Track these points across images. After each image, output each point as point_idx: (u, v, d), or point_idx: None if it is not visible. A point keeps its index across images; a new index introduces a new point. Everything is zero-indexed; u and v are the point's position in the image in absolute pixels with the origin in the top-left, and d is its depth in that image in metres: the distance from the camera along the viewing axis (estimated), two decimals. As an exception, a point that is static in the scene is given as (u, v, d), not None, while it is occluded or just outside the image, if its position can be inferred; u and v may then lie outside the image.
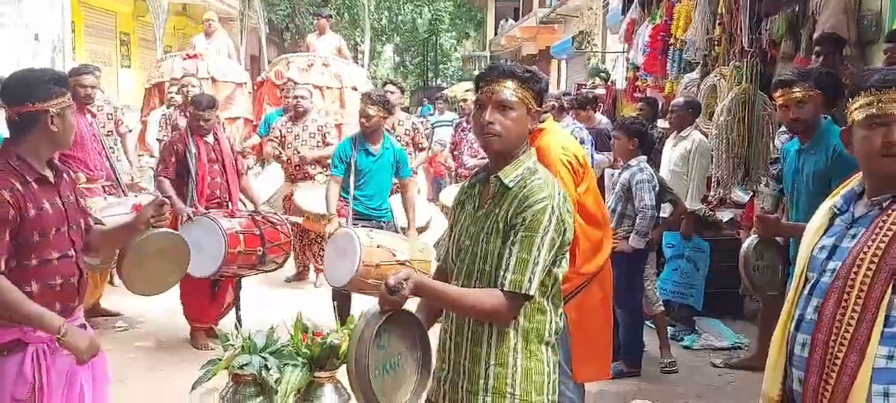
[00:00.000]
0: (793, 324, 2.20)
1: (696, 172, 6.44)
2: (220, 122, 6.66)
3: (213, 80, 9.91)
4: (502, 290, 2.25)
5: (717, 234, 6.65)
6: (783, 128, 5.55)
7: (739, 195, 6.91)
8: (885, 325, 2.00)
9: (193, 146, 5.66)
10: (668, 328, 5.94)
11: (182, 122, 7.06)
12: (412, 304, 2.40)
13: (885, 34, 5.73)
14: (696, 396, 5.21)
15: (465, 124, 9.17)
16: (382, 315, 2.24)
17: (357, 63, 13.73)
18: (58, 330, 2.66)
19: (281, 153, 7.59)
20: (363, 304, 3.90)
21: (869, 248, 2.04)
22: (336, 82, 10.40)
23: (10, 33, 8.19)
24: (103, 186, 6.32)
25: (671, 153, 6.57)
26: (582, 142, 6.84)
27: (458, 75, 37.05)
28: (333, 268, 5.12)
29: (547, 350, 2.40)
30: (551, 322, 2.41)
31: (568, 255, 2.43)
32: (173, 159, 5.69)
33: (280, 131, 7.71)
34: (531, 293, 2.26)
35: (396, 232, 5.79)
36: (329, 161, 6.35)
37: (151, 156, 8.72)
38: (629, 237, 5.26)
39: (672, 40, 8.78)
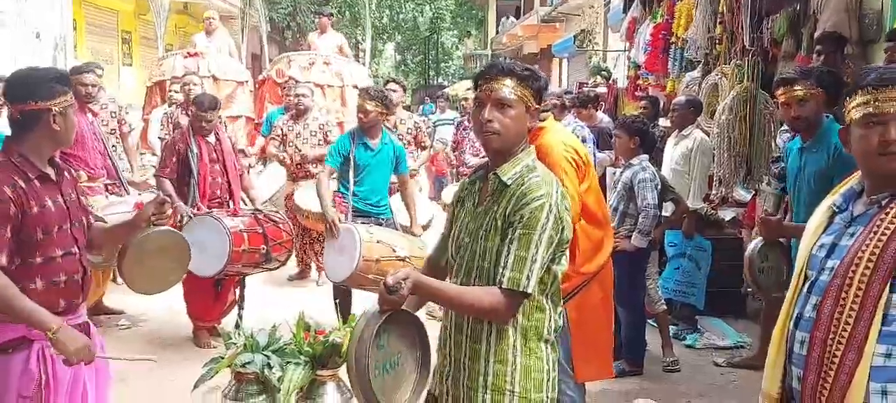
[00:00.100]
0: (792, 322, 2.20)
1: (698, 171, 6.44)
2: (221, 121, 6.66)
3: (215, 79, 9.95)
4: (501, 288, 2.26)
5: (719, 233, 6.65)
6: (785, 127, 5.55)
7: (741, 194, 6.91)
8: (882, 324, 2.00)
9: (195, 146, 5.67)
10: (671, 327, 5.94)
11: (183, 120, 7.07)
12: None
13: (886, 33, 5.73)
14: (699, 395, 5.21)
15: (466, 123, 9.16)
16: (382, 314, 2.24)
17: (358, 61, 13.76)
18: (50, 329, 2.64)
19: (285, 157, 7.60)
20: (364, 302, 3.91)
21: (867, 247, 2.04)
22: (337, 80, 10.42)
23: (11, 32, 8.20)
24: (105, 185, 6.32)
25: (673, 152, 6.57)
26: (584, 141, 6.83)
27: (459, 74, 37.09)
28: (334, 264, 5.12)
29: (546, 347, 2.40)
30: (550, 320, 2.41)
31: (567, 253, 2.43)
32: (174, 159, 5.69)
33: (281, 129, 7.72)
34: (529, 291, 2.26)
35: (396, 229, 5.79)
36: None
37: (153, 154, 8.74)
38: (631, 236, 5.26)
39: (673, 39, 8.78)
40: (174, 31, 16.70)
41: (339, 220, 5.43)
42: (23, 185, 2.70)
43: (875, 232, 2.04)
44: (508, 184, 2.35)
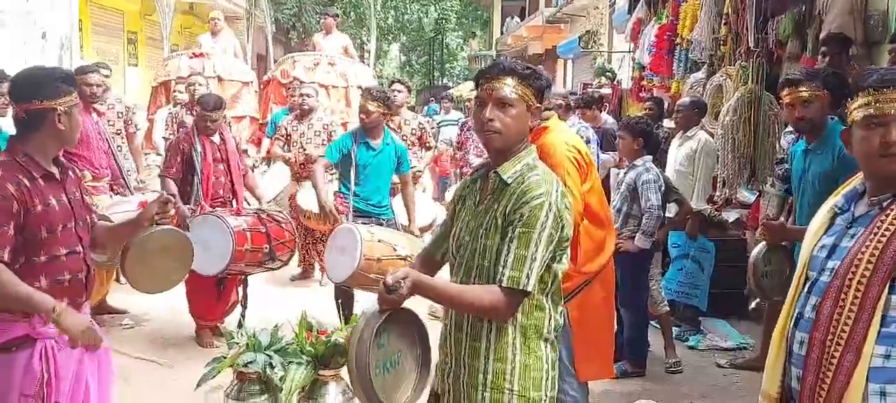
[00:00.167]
0: (792, 322, 2.20)
1: (702, 172, 6.43)
2: (226, 121, 6.68)
3: (220, 79, 9.97)
4: (500, 286, 2.26)
5: (723, 234, 6.64)
6: (789, 128, 5.55)
7: (745, 195, 6.90)
8: (881, 325, 2.00)
9: (199, 145, 5.68)
10: (674, 328, 5.93)
11: (188, 120, 7.09)
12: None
13: (891, 34, 5.72)
14: (701, 396, 5.20)
15: (470, 123, 9.17)
16: (381, 314, 2.25)
17: (363, 62, 13.78)
18: (52, 310, 2.67)
19: (290, 156, 7.61)
20: (366, 303, 3.92)
21: (867, 248, 2.04)
22: (342, 81, 10.44)
23: (17, 32, 8.22)
24: (109, 184, 6.34)
25: (677, 153, 6.56)
26: (588, 142, 6.83)
27: (463, 74, 37.11)
28: (335, 264, 5.13)
29: (546, 346, 2.40)
30: (550, 319, 2.41)
31: (568, 252, 2.43)
32: (179, 159, 5.70)
33: (286, 129, 7.74)
34: (529, 289, 2.27)
35: (397, 229, 5.80)
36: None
37: (158, 154, 8.76)
38: (634, 237, 5.25)
39: (678, 40, 8.78)
40: (180, 31, 16.74)
41: (338, 215, 5.45)
42: (27, 184, 2.71)
43: (875, 234, 2.04)
44: (509, 182, 2.35)
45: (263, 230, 5.60)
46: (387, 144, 5.74)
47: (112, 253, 4.55)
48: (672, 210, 5.76)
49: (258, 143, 9.91)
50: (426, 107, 20.36)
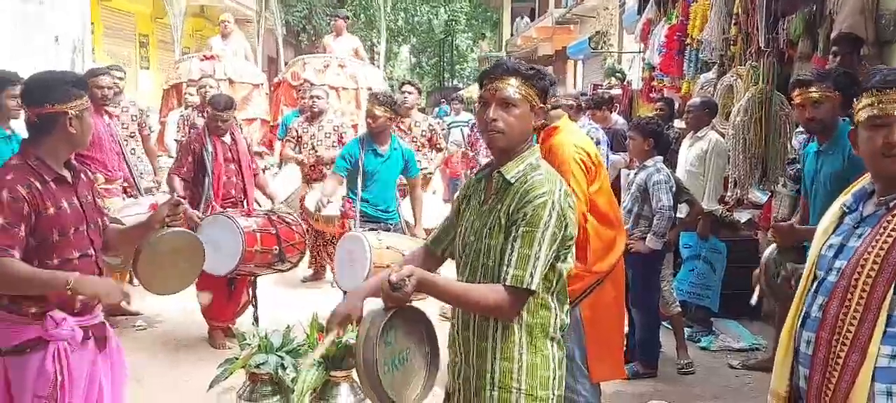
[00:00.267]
0: (799, 321, 2.20)
1: (713, 172, 6.41)
2: (237, 123, 6.70)
3: (231, 81, 10.01)
4: (504, 285, 2.27)
5: (734, 235, 6.62)
6: (800, 129, 5.52)
7: (757, 195, 6.87)
8: (887, 325, 2.00)
9: (210, 145, 5.71)
10: (685, 329, 5.92)
11: (200, 123, 7.12)
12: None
13: (902, 34, 5.68)
14: (713, 397, 5.19)
15: (480, 124, 9.17)
16: (387, 312, 2.25)
17: (373, 64, 13.78)
18: (66, 282, 2.69)
19: (301, 158, 7.63)
20: (376, 303, 3.93)
21: (873, 248, 2.03)
22: (352, 83, 10.46)
23: (30, 35, 8.27)
24: (123, 187, 6.37)
25: (687, 153, 6.55)
26: (598, 143, 6.83)
27: (474, 76, 37.02)
28: (344, 273, 5.13)
29: (552, 345, 2.41)
30: (556, 318, 2.42)
31: (574, 252, 2.44)
32: (190, 159, 5.74)
33: (296, 131, 7.76)
34: (533, 288, 2.27)
35: (404, 232, 5.81)
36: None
37: (170, 156, 8.80)
38: (645, 238, 5.25)
39: (688, 40, 8.73)
40: (191, 34, 16.80)
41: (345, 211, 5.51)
42: (38, 187, 2.74)
43: (881, 234, 2.04)
44: (512, 182, 2.36)
45: (274, 231, 5.62)
46: (394, 150, 5.76)
47: (124, 256, 4.58)
48: (683, 210, 5.75)
49: (269, 145, 9.96)
50: (437, 109, 20.37)
